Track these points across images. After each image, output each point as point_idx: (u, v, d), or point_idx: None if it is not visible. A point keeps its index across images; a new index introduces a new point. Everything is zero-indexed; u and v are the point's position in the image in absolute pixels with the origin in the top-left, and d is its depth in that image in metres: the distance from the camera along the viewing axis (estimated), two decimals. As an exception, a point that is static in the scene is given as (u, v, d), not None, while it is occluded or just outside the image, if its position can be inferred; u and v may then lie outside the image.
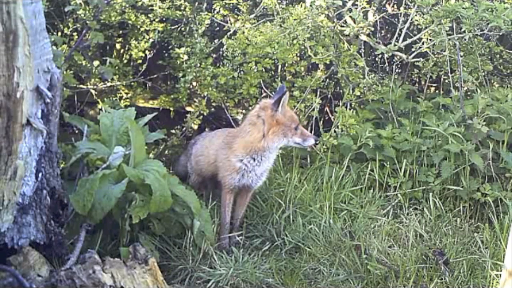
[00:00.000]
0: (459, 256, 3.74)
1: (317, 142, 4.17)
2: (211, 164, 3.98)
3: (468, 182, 4.24)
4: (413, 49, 4.86)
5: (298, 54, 4.98)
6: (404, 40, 4.80)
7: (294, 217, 4.04)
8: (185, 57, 4.90)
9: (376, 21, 5.08)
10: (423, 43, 4.81)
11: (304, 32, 4.65)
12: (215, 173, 3.96)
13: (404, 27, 4.80)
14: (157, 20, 5.07)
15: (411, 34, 4.98)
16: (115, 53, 5.52)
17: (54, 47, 3.94)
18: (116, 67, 5.11)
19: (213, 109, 5.25)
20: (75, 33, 4.98)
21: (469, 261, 3.70)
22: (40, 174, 3.11)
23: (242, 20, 5.02)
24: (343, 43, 4.86)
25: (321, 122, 4.90)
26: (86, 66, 4.92)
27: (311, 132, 4.73)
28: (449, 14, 4.45)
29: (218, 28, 5.47)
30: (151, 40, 5.19)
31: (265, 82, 4.86)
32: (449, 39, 4.63)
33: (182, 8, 5.11)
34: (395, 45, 4.75)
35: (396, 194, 4.32)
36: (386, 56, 5.12)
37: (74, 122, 4.12)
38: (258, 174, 3.84)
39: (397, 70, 5.57)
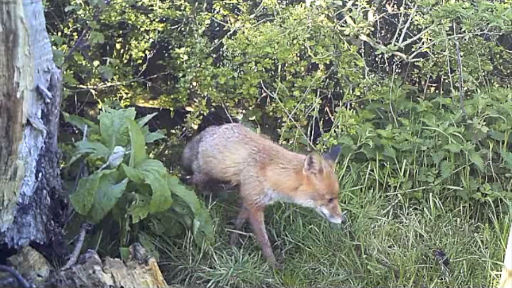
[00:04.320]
0: (459, 256, 3.74)
1: (344, 223, 3.89)
2: (230, 174, 3.83)
3: (468, 182, 4.24)
4: (413, 49, 4.86)
5: (298, 54, 4.98)
6: (404, 40, 4.80)
7: (294, 217, 4.04)
8: (185, 57, 4.90)
9: (376, 21, 5.08)
10: (423, 43, 4.81)
11: (304, 32, 4.65)
12: (231, 181, 3.84)
13: (404, 27, 4.80)
14: (157, 20, 5.07)
15: (411, 34, 4.98)
16: (115, 53, 5.52)
17: (54, 47, 3.94)
18: (116, 67, 5.11)
19: (213, 109, 5.24)
20: (75, 33, 4.98)
21: (469, 261, 3.70)
22: (40, 174, 3.12)
23: (242, 20, 5.02)
24: (343, 43, 4.86)
25: (321, 122, 4.90)
26: (86, 66, 4.92)
27: (311, 132, 4.74)
28: (449, 14, 4.45)
29: (218, 28, 5.47)
30: (151, 40, 5.19)
31: (265, 82, 4.85)
32: (449, 39, 4.63)
33: (182, 8, 5.11)
34: (395, 45, 4.75)
35: (396, 194, 4.32)
36: (386, 56, 5.12)
37: (74, 122, 4.12)
38: (270, 203, 3.80)
39: (397, 70, 5.56)
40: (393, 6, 5.19)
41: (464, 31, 4.50)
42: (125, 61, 5.46)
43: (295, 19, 4.67)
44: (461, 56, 4.70)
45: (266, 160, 3.69)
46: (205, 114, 4.93)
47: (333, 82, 5.17)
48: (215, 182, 4.11)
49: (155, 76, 5.49)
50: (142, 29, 5.09)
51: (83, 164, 3.63)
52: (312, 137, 4.73)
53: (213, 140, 4.00)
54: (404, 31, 4.78)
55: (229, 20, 5.20)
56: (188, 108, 5.33)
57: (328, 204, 3.60)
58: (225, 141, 3.92)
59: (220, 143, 3.93)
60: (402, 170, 4.35)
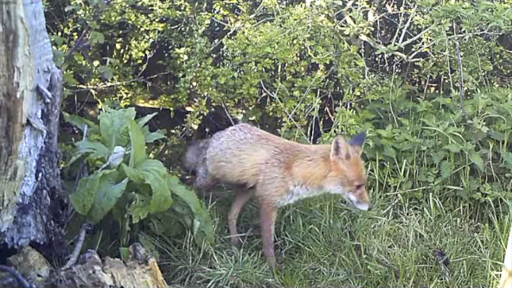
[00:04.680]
0: (459, 256, 3.74)
1: (370, 209, 3.90)
2: (249, 175, 3.75)
3: (468, 182, 4.24)
4: (413, 49, 4.86)
5: (298, 54, 4.98)
6: (404, 40, 4.80)
7: (294, 217, 4.04)
8: (185, 57, 4.90)
9: (376, 21, 5.08)
10: (423, 43, 4.81)
11: (304, 32, 4.65)
12: (248, 184, 3.78)
13: (404, 27, 4.80)
14: (157, 20, 5.07)
15: (411, 34, 4.98)
16: (115, 53, 5.52)
17: (54, 47, 3.94)
18: (116, 67, 5.11)
19: (213, 109, 5.24)
20: (75, 33, 4.98)
21: (469, 261, 3.70)
22: (40, 174, 3.12)
23: (242, 20, 5.02)
24: (343, 43, 4.86)
25: (321, 122, 4.90)
26: (86, 66, 4.92)
27: (311, 132, 4.75)
28: (449, 14, 4.45)
29: (218, 28, 5.47)
30: (151, 40, 5.19)
31: (265, 82, 4.86)
32: (449, 39, 4.63)
33: (182, 8, 5.11)
34: (395, 45, 4.75)
35: (396, 194, 4.32)
36: (386, 56, 5.12)
37: (74, 122, 4.12)
38: (302, 198, 3.78)
39: (397, 70, 5.57)
40: (393, 6, 5.20)
41: (464, 31, 4.50)
42: (125, 61, 5.46)
43: (295, 19, 4.67)
44: (461, 56, 4.70)
45: (291, 158, 3.67)
46: (205, 114, 4.94)
47: (333, 82, 5.17)
48: (216, 185, 4.10)
49: (155, 76, 5.49)
50: (142, 29, 5.10)
51: (83, 164, 3.63)
52: (312, 137, 4.73)
53: (221, 144, 3.91)
54: (404, 31, 4.78)
55: (229, 20, 5.20)
56: (188, 108, 5.33)
57: (355, 190, 3.62)
58: (238, 143, 3.84)
59: (233, 146, 3.85)
60: (402, 170, 4.34)
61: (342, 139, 3.59)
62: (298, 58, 5.02)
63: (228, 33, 4.92)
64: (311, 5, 4.74)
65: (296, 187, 3.67)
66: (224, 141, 3.91)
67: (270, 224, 3.75)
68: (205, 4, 5.25)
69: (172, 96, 5.27)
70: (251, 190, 3.88)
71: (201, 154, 4.16)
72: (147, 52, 5.28)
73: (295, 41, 4.71)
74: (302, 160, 3.66)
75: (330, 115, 5.15)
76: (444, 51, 4.74)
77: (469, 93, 5.06)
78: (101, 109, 4.75)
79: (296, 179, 3.66)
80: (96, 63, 5.03)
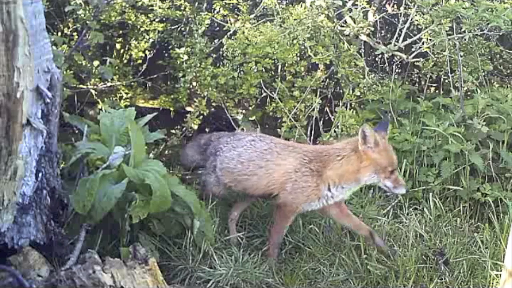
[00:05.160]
0: (459, 256, 3.73)
1: (408, 192, 3.94)
2: (278, 185, 3.67)
3: (468, 182, 4.24)
4: (413, 49, 4.86)
5: (298, 54, 4.98)
6: (404, 40, 4.80)
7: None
8: (185, 57, 4.90)
9: (376, 21, 5.08)
10: (423, 43, 4.81)
11: (304, 32, 4.65)
12: (273, 193, 3.69)
13: (404, 27, 4.80)
14: (157, 20, 5.07)
15: (411, 34, 4.98)
16: (115, 53, 5.52)
17: (54, 47, 3.94)
18: (116, 67, 5.11)
19: (213, 109, 5.24)
20: (75, 33, 4.98)
21: (469, 261, 3.70)
22: (40, 174, 3.12)
23: (242, 20, 5.02)
24: (343, 43, 4.86)
25: (321, 122, 4.90)
26: (86, 66, 4.92)
27: (311, 132, 4.74)
28: (449, 14, 4.45)
29: (218, 28, 5.47)
30: (151, 40, 5.19)
31: (265, 82, 4.85)
32: (449, 39, 4.63)
33: (182, 8, 5.11)
34: (395, 45, 4.75)
35: (396, 194, 4.31)
36: (386, 56, 5.11)
37: (74, 122, 4.12)
38: (337, 200, 3.72)
39: (397, 70, 5.56)
40: (393, 6, 5.19)
41: (464, 31, 4.50)
42: (125, 61, 5.46)
43: (295, 19, 4.67)
44: (461, 56, 4.70)
45: (321, 165, 3.63)
46: (205, 114, 4.93)
47: (333, 82, 5.16)
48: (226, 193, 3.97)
49: (155, 76, 5.49)
50: (142, 29, 5.10)
51: (83, 164, 3.63)
52: (312, 137, 4.73)
53: (241, 157, 3.79)
54: (404, 31, 4.78)
55: (229, 20, 5.20)
56: (188, 108, 5.33)
57: (390, 176, 3.61)
58: (263, 154, 3.74)
59: (256, 157, 3.74)
60: (402, 170, 4.34)
61: (368, 127, 3.58)
62: (298, 58, 5.01)
63: (228, 33, 4.92)
64: (311, 5, 4.73)
65: (331, 191, 3.65)
66: (244, 152, 3.80)
67: (285, 226, 3.73)
68: (205, 4, 5.24)
69: (172, 96, 5.26)
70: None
71: (206, 154, 4.02)
72: (147, 52, 5.28)
73: (295, 41, 4.71)
74: (333, 162, 3.63)
75: (330, 115, 5.15)
76: (444, 51, 4.73)
77: (469, 93, 5.06)
78: (101, 109, 4.76)
79: (331, 181, 3.63)
80: (96, 63, 5.02)
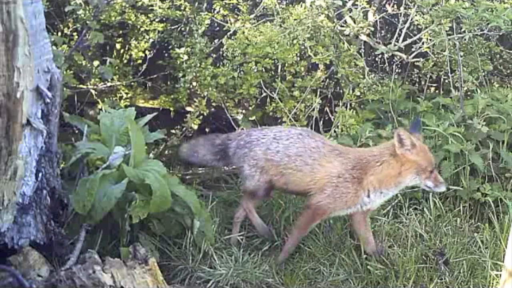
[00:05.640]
0: (459, 256, 3.73)
1: (448, 189, 3.94)
2: (319, 185, 3.63)
3: (468, 182, 4.23)
4: (413, 49, 4.86)
5: (298, 54, 4.98)
6: (404, 40, 4.79)
7: (294, 217, 4.03)
8: (185, 57, 4.89)
9: (376, 21, 5.08)
10: (423, 43, 4.81)
11: (304, 32, 4.65)
12: (310, 193, 3.67)
13: (404, 27, 4.80)
14: (157, 20, 5.07)
15: (411, 34, 4.98)
16: (115, 53, 5.52)
17: (54, 47, 3.94)
18: (116, 67, 5.11)
19: (213, 109, 5.24)
20: (75, 33, 4.98)
21: (469, 261, 3.70)
22: (40, 174, 3.12)
23: (242, 20, 5.02)
24: (343, 43, 4.86)
25: (321, 122, 4.90)
26: (86, 66, 4.92)
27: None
28: (449, 14, 4.45)
29: (218, 28, 5.47)
30: (151, 40, 5.19)
31: (265, 82, 4.85)
32: (449, 39, 4.63)
33: (182, 8, 5.11)
34: (395, 45, 4.75)
35: (396, 194, 4.31)
36: (386, 56, 5.11)
37: (74, 122, 4.12)
38: (375, 205, 3.73)
39: (397, 70, 5.56)
40: (393, 6, 5.19)
41: (464, 31, 4.50)
42: (125, 61, 5.46)
43: (295, 19, 4.67)
44: (461, 56, 4.70)
45: (362, 172, 3.62)
46: (205, 114, 4.93)
47: (333, 82, 5.16)
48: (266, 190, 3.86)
49: (155, 76, 5.49)
50: (142, 29, 5.10)
51: (83, 164, 3.63)
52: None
53: (288, 150, 3.72)
54: (404, 31, 4.78)
55: (229, 20, 5.20)
56: (188, 108, 5.33)
57: (430, 176, 3.61)
58: (311, 151, 3.70)
59: (304, 153, 3.69)
60: (402, 170, 4.33)
61: (402, 130, 3.59)
62: (298, 58, 5.01)
63: (228, 33, 4.92)
64: (311, 5, 4.73)
65: (369, 197, 3.64)
66: (291, 146, 3.74)
67: (310, 227, 3.73)
68: (205, 4, 5.24)
69: (172, 96, 5.26)
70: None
71: (228, 153, 3.91)
72: (147, 52, 5.28)
73: (295, 41, 4.70)
74: (373, 167, 3.61)
75: (330, 115, 5.15)
76: (444, 51, 4.73)
77: (469, 93, 5.06)
78: (101, 109, 4.76)
79: (371, 187, 3.61)
80: (96, 63, 5.02)
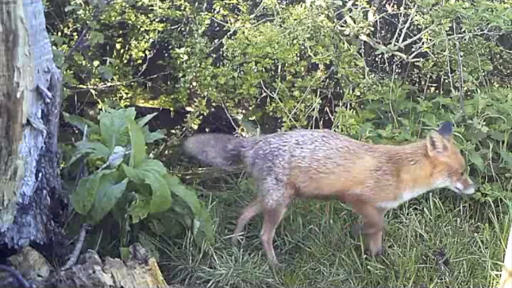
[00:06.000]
0: (459, 256, 3.73)
1: (477, 190, 3.99)
2: (353, 183, 3.60)
3: (468, 182, 4.23)
4: (413, 49, 4.86)
5: (298, 54, 4.98)
6: (404, 40, 4.79)
7: (294, 217, 4.03)
8: (185, 57, 4.90)
9: (376, 21, 5.08)
10: (423, 43, 4.81)
11: (304, 32, 4.65)
12: (345, 192, 3.64)
13: (404, 27, 4.80)
14: (157, 20, 5.07)
15: (411, 34, 4.98)
16: (115, 53, 5.52)
17: (54, 47, 3.94)
18: (116, 67, 5.11)
19: (213, 109, 5.24)
20: (75, 33, 4.98)
21: (469, 261, 3.70)
22: (40, 174, 3.12)
23: (242, 20, 5.02)
24: (343, 43, 4.86)
25: (321, 122, 4.90)
26: (86, 66, 4.92)
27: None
28: (449, 14, 4.45)
29: (218, 28, 5.47)
30: (151, 40, 5.19)
31: (265, 82, 4.85)
32: (449, 39, 4.63)
33: (182, 8, 5.11)
34: (395, 45, 4.75)
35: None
36: (386, 56, 5.11)
37: (74, 122, 4.12)
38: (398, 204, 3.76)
39: (397, 70, 5.56)
40: (393, 6, 5.19)
41: (464, 31, 4.50)
42: (125, 61, 5.46)
43: (295, 19, 4.67)
44: (461, 56, 4.70)
45: (397, 166, 3.62)
46: (205, 114, 4.93)
47: (333, 82, 5.16)
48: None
49: (155, 76, 5.49)
50: (142, 29, 5.10)
51: (83, 164, 3.63)
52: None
53: (316, 154, 3.64)
54: (404, 31, 4.78)
55: (229, 20, 5.20)
56: (188, 108, 5.33)
57: (460, 178, 3.63)
58: (340, 152, 3.64)
59: (334, 155, 3.63)
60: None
61: (435, 133, 3.59)
62: (298, 58, 5.01)
63: (228, 33, 4.92)
64: (311, 5, 4.73)
65: (405, 193, 3.65)
66: (317, 149, 3.65)
67: (376, 214, 3.68)
68: (205, 4, 5.24)
69: (172, 96, 5.26)
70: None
71: (244, 161, 3.78)
72: (147, 52, 5.28)
73: (295, 41, 4.70)
74: (407, 165, 3.61)
75: (330, 115, 5.15)
76: (444, 51, 4.73)
77: (469, 93, 5.05)
78: (101, 109, 4.76)
79: (407, 185, 3.62)
80: (96, 63, 5.03)
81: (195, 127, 5.13)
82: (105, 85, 5.13)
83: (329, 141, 3.68)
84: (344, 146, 3.67)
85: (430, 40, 4.75)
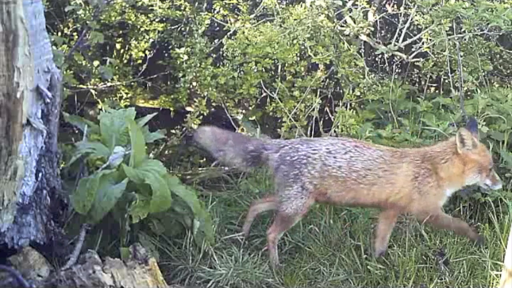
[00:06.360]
0: (459, 256, 3.73)
1: (504, 186, 3.96)
2: (398, 196, 3.58)
3: (468, 182, 4.23)
4: (413, 49, 4.86)
5: (298, 54, 4.98)
6: (404, 40, 4.80)
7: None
8: (185, 57, 4.90)
9: (376, 21, 5.08)
10: (423, 43, 4.81)
11: (304, 32, 4.66)
12: (389, 204, 3.62)
13: (404, 27, 4.80)
14: (157, 20, 5.08)
15: (411, 34, 4.98)
16: (115, 53, 5.53)
17: (54, 47, 3.95)
18: (116, 67, 5.12)
19: (213, 109, 5.25)
20: (75, 33, 4.99)
21: (469, 261, 3.69)
22: (40, 174, 3.12)
23: (242, 20, 5.03)
24: (343, 43, 4.86)
25: (321, 122, 4.90)
26: (86, 66, 4.93)
27: (311, 132, 4.74)
28: (449, 14, 4.45)
29: (218, 28, 5.47)
30: (151, 40, 5.20)
31: (265, 82, 4.86)
32: (449, 39, 4.63)
33: (182, 8, 5.12)
34: (395, 45, 4.75)
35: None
36: (386, 56, 5.12)
37: (74, 122, 4.12)
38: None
39: (397, 70, 5.57)
40: (393, 6, 5.20)
41: (464, 31, 4.50)
42: (125, 61, 5.47)
43: (295, 19, 4.68)
44: (461, 56, 4.70)
45: (432, 166, 3.62)
46: (205, 114, 4.94)
47: (333, 82, 5.17)
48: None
49: (155, 76, 5.50)
50: (142, 29, 5.11)
51: (83, 164, 3.63)
52: (312, 137, 4.73)
53: (353, 165, 3.57)
54: (404, 31, 4.78)
55: (229, 20, 5.20)
56: (188, 108, 5.34)
57: (489, 174, 3.64)
58: (377, 162, 3.60)
59: (372, 166, 3.58)
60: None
61: (465, 130, 3.59)
62: (298, 58, 5.02)
63: (228, 33, 4.92)
64: (311, 5, 4.74)
65: (446, 190, 3.67)
66: (354, 160, 3.58)
67: (443, 217, 3.71)
68: (205, 4, 5.25)
69: (172, 96, 5.27)
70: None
71: (282, 168, 3.63)
72: (147, 52, 5.29)
73: (295, 41, 4.71)
74: (439, 164, 3.61)
75: (330, 115, 5.15)
76: (444, 51, 4.73)
77: (469, 93, 5.05)
78: (101, 109, 4.77)
79: (446, 182, 3.64)
80: (96, 63, 5.03)
81: (195, 127, 5.13)
82: (105, 85, 5.14)
83: (364, 151, 3.62)
84: (379, 156, 3.61)
85: (430, 40, 4.75)
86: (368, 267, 3.62)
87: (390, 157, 3.62)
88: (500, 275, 3.25)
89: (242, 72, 4.85)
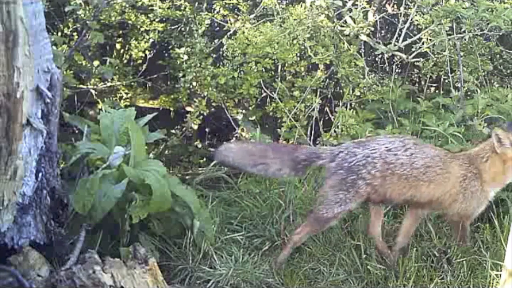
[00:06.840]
0: (460, 256, 3.73)
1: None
2: (447, 196, 3.60)
3: (468, 182, 4.23)
4: (413, 49, 4.86)
5: (298, 54, 4.98)
6: (404, 40, 4.80)
7: (294, 217, 4.03)
8: (185, 57, 4.90)
9: (376, 21, 5.08)
10: (423, 43, 4.81)
11: (304, 32, 4.65)
12: (438, 203, 3.64)
13: (404, 27, 4.80)
14: (157, 20, 5.08)
15: (411, 34, 4.98)
16: (115, 53, 5.53)
17: (54, 47, 3.95)
18: (116, 67, 5.12)
19: (213, 109, 5.25)
20: (75, 33, 4.99)
21: (469, 261, 3.70)
22: (40, 174, 3.12)
23: (242, 20, 5.03)
24: (343, 43, 4.86)
25: (321, 122, 4.90)
26: (86, 66, 4.93)
27: (311, 132, 4.74)
28: (449, 14, 4.45)
29: (218, 28, 5.47)
30: (151, 40, 5.20)
31: (265, 82, 4.86)
32: (449, 39, 4.64)
33: (182, 8, 5.11)
34: (395, 45, 4.75)
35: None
36: (386, 56, 5.12)
37: (74, 122, 4.12)
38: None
39: (397, 70, 5.56)
40: (393, 6, 5.20)
41: (464, 31, 4.50)
42: (125, 61, 5.47)
43: (295, 19, 4.67)
44: (461, 56, 4.70)
45: (476, 168, 3.63)
46: (205, 114, 4.93)
47: (333, 82, 5.17)
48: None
49: (155, 76, 5.50)
50: (142, 29, 5.10)
51: (83, 164, 3.63)
52: (312, 137, 4.73)
53: (414, 162, 3.55)
54: (404, 31, 4.78)
55: (229, 20, 5.20)
56: (188, 108, 5.34)
57: None
58: (435, 161, 3.60)
59: (433, 164, 3.59)
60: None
61: (500, 130, 3.60)
62: (298, 58, 5.02)
63: (228, 33, 4.92)
64: (311, 5, 4.74)
65: (491, 192, 3.67)
66: (415, 157, 3.57)
67: (468, 223, 3.73)
68: (205, 4, 5.25)
69: (172, 96, 5.27)
70: None
71: (338, 173, 3.57)
72: (147, 52, 5.29)
73: (295, 41, 4.71)
74: (481, 164, 3.62)
75: (330, 115, 5.15)
76: (444, 51, 4.73)
77: (469, 93, 5.05)
78: (101, 109, 4.76)
79: (490, 183, 3.64)
80: (96, 63, 5.03)
81: (195, 127, 5.13)
82: (105, 85, 5.14)
83: (423, 148, 3.63)
84: (436, 154, 3.63)
85: (430, 40, 4.75)
86: (368, 267, 3.62)
87: (444, 156, 3.65)
88: (500, 275, 3.26)
89: (242, 72, 4.85)
